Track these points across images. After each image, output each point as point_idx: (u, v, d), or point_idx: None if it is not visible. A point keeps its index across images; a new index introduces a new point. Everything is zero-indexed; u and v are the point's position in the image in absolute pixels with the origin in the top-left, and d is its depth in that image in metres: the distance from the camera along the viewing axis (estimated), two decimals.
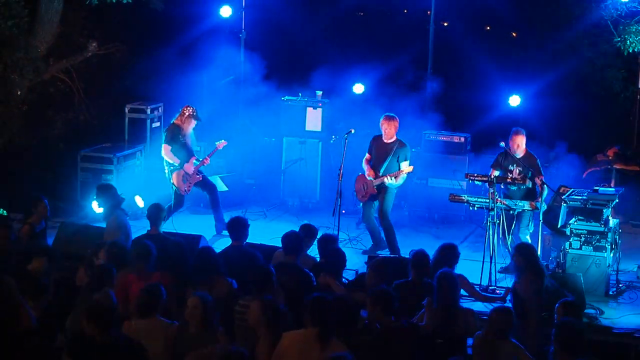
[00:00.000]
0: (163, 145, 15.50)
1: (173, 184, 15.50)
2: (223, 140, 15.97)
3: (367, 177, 14.55)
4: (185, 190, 15.57)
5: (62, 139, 19.10)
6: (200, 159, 15.72)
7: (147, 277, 10.24)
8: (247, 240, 11.98)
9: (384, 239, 14.68)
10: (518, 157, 13.82)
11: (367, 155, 14.76)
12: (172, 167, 15.51)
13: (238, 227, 11.77)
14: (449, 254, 11.40)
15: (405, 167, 14.43)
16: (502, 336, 9.29)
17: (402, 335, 9.11)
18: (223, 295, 10.10)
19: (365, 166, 14.69)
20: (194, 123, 15.62)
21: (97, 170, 17.05)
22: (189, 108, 15.59)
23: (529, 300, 10.71)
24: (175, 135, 15.49)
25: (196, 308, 9.10)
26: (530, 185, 13.81)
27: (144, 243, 10.81)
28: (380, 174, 14.43)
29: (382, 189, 14.47)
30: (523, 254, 11.12)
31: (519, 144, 13.92)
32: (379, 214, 14.61)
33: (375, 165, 14.57)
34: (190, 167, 15.54)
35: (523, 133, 14.00)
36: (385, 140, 14.51)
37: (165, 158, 15.46)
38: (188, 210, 17.18)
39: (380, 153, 14.52)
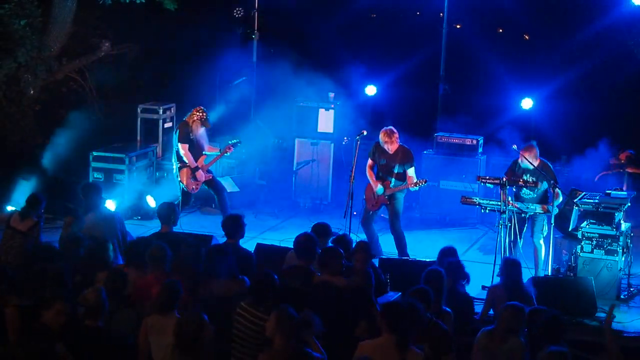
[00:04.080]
0: (180, 145, 15.47)
1: (181, 181, 15.50)
2: (238, 140, 16.04)
3: (374, 188, 14.44)
4: (193, 189, 15.56)
5: (74, 139, 19.13)
6: (216, 154, 15.76)
7: (164, 278, 10.20)
8: (258, 241, 11.93)
9: (380, 245, 14.60)
10: (531, 168, 13.68)
11: (369, 162, 14.58)
12: (180, 165, 15.50)
13: (233, 225, 11.66)
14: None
15: (412, 172, 14.35)
16: (511, 333, 9.28)
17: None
18: (234, 294, 10.05)
19: (369, 176, 14.53)
20: (202, 129, 15.62)
21: (109, 170, 17.08)
22: (199, 112, 15.49)
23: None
24: (186, 134, 15.49)
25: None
26: (545, 188, 13.74)
27: (158, 245, 10.72)
28: (392, 185, 14.34)
29: (392, 197, 14.41)
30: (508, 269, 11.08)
31: (530, 160, 13.65)
32: (390, 222, 14.55)
33: (382, 174, 14.47)
34: (203, 166, 15.54)
35: (533, 148, 13.68)
36: (390, 152, 14.41)
37: (185, 158, 15.41)
38: (199, 211, 17.21)
39: (386, 162, 14.41)
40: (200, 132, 15.61)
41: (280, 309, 8.66)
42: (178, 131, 15.63)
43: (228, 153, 15.88)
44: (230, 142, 15.89)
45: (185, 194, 15.58)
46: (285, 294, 9.87)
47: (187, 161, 15.39)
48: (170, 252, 10.54)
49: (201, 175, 15.45)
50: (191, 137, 15.49)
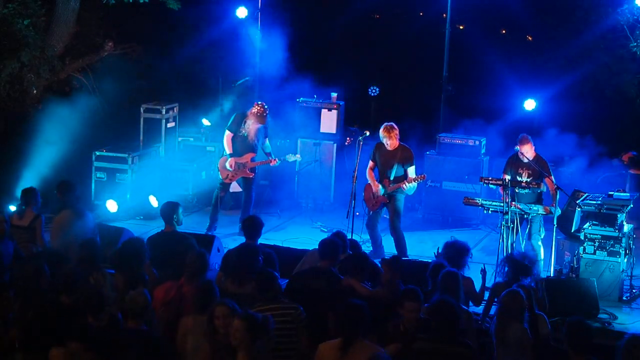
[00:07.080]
0: (226, 131, 15.60)
1: (218, 167, 15.64)
2: (298, 155, 16.31)
3: (374, 190, 14.43)
4: (227, 177, 15.59)
5: (77, 138, 19.14)
6: (268, 159, 15.84)
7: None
8: (261, 242, 11.88)
9: (384, 247, 14.61)
10: (526, 161, 13.72)
11: (370, 163, 14.58)
12: (223, 152, 15.63)
13: (253, 227, 11.67)
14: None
15: (413, 172, 14.36)
16: (512, 318, 9.31)
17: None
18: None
19: (369, 177, 14.54)
20: (257, 125, 15.57)
21: (111, 170, 17.08)
22: (257, 107, 15.50)
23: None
24: (238, 124, 15.55)
25: (239, 331, 8.51)
26: (545, 190, 13.77)
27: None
28: (391, 184, 14.34)
29: (392, 197, 14.41)
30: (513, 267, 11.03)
31: (525, 152, 13.75)
32: (390, 222, 14.54)
33: (382, 173, 14.45)
34: (231, 162, 15.52)
35: (529, 141, 13.81)
36: (389, 149, 14.43)
37: (225, 143, 15.56)
38: (202, 211, 17.21)
39: (385, 161, 14.40)
40: (255, 127, 15.58)
41: (246, 316, 8.53)
42: (232, 119, 15.62)
43: (272, 164, 15.96)
44: (286, 156, 16.08)
45: (221, 183, 15.63)
46: (310, 294, 10.03)
47: (225, 147, 15.48)
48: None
49: (233, 163, 15.46)
50: (241, 129, 15.48)
